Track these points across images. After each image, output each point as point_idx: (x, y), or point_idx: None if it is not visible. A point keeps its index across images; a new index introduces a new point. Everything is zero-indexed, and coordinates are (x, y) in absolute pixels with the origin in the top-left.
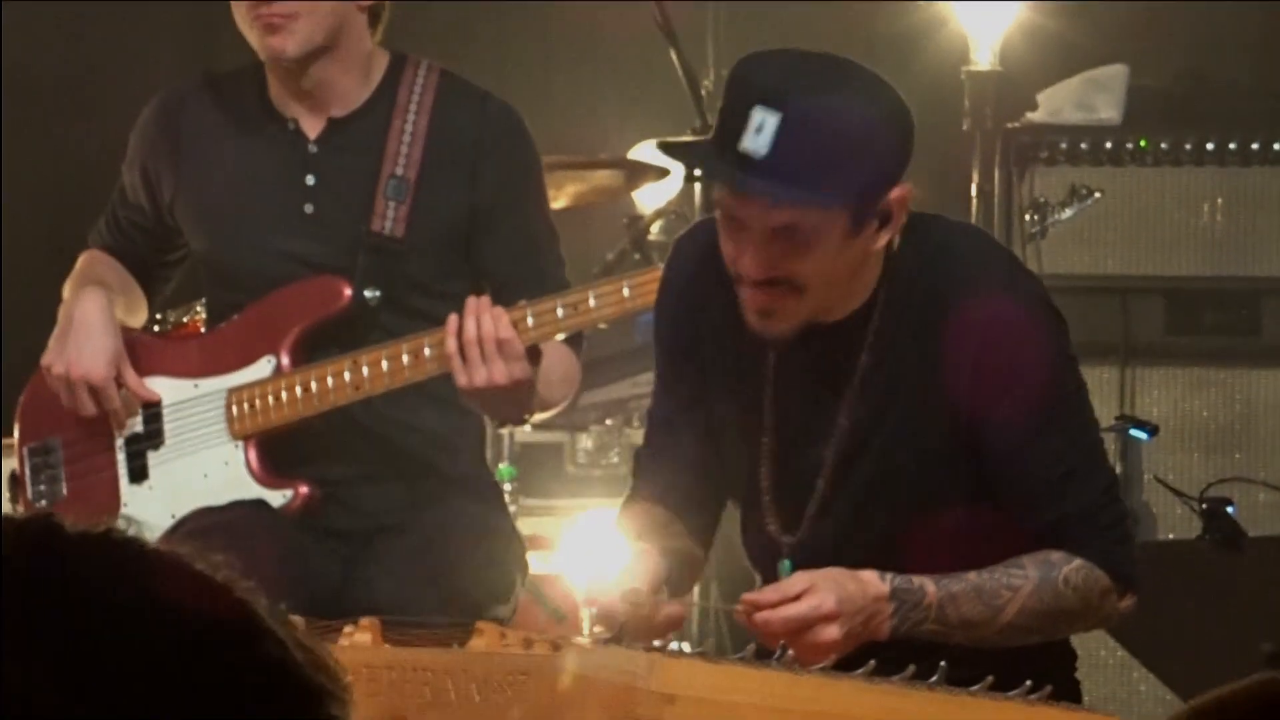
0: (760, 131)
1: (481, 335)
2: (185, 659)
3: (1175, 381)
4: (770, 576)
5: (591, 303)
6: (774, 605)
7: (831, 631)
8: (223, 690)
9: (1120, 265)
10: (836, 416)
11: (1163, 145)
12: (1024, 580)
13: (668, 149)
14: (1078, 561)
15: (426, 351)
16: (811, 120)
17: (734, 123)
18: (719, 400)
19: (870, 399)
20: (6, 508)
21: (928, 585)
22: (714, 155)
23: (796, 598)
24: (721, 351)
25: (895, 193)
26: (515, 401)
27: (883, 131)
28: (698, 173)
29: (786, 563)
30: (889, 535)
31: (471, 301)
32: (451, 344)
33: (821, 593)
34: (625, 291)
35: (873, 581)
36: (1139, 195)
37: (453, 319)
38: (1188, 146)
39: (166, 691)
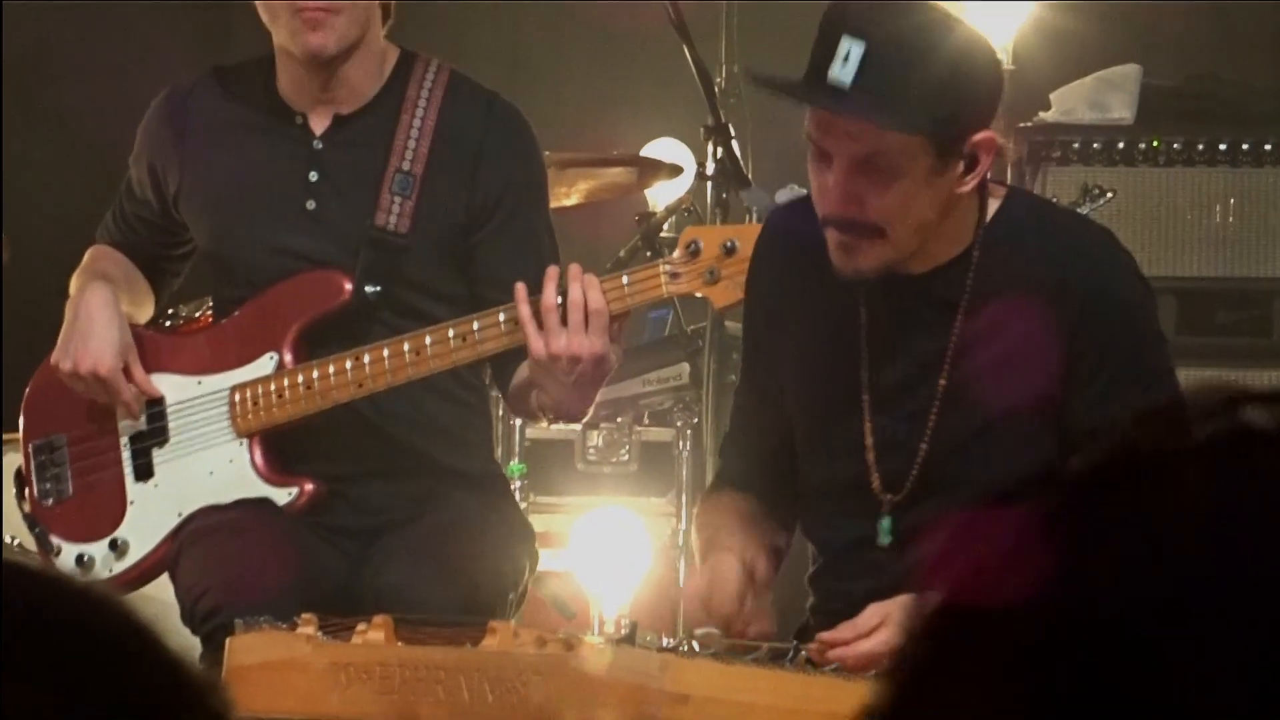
0: (847, 61)
1: (569, 302)
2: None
3: (1187, 382)
4: (851, 540)
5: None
6: (849, 643)
7: None
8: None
9: None
10: (936, 374)
11: (1175, 145)
12: None
13: (759, 81)
14: None
15: (429, 345)
16: (895, 49)
17: (823, 53)
18: (812, 357)
19: (969, 357)
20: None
21: None
22: (804, 85)
23: (871, 633)
24: (813, 316)
25: (982, 135)
26: (593, 381)
27: (967, 68)
28: (709, 169)
29: (886, 520)
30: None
31: (554, 269)
32: (525, 310)
33: (894, 626)
34: (624, 281)
35: None
36: (1151, 195)
37: (520, 286)
38: (1200, 146)
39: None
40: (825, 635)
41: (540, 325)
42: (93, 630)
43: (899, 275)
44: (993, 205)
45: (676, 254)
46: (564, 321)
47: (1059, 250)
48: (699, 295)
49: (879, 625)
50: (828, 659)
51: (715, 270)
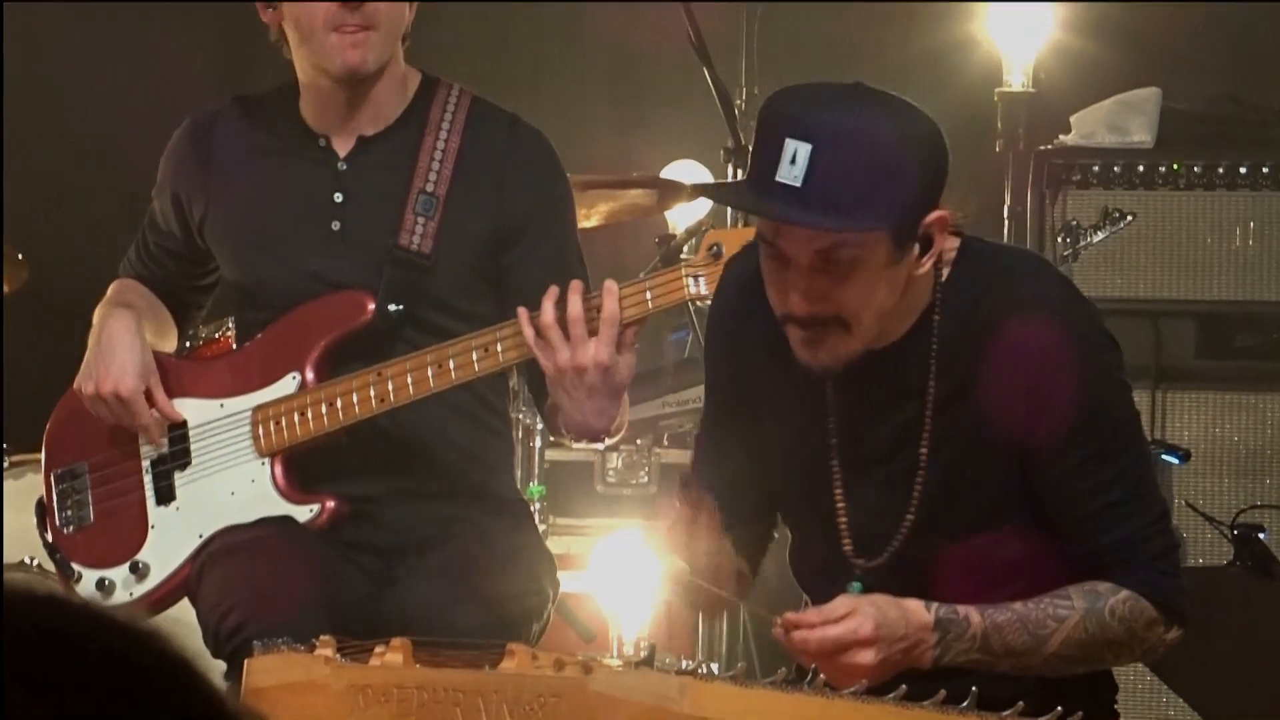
0: (794, 162)
1: (567, 316)
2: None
3: (1206, 405)
4: (828, 597)
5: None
6: (813, 625)
7: (866, 656)
8: None
9: (1152, 288)
10: (916, 443)
11: (1195, 169)
12: (1070, 610)
13: (706, 191)
14: (1125, 593)
15: (450, 358)
16: (841, 145)
17: (768, 157)
18: (776, 424)
19: (946, 425)
20: (10, 533)
21: (973, 615)
22: (753, 191)
23: (838, 620)
24: (775, 377)
25: (933, 216)
26: (606, 394)
27: (914, 153)
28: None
29: (857, 585)
30: (972, 559)
31: (553, 289)
32: (529, 331)
33: (861, 617)
34: (648, 296)
35: (917, 610)
36: (1171, 218)
37: (521, 309)
38: (1220, 170)
39: None
40: (791, 616)
41: (544, 342)
42: (135, 663)
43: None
44: (946, 261)
45: (698, 256)
46: (566, 335)
47: (1009, 311)
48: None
49: (846, 615)
50: (791, 640)
51: None
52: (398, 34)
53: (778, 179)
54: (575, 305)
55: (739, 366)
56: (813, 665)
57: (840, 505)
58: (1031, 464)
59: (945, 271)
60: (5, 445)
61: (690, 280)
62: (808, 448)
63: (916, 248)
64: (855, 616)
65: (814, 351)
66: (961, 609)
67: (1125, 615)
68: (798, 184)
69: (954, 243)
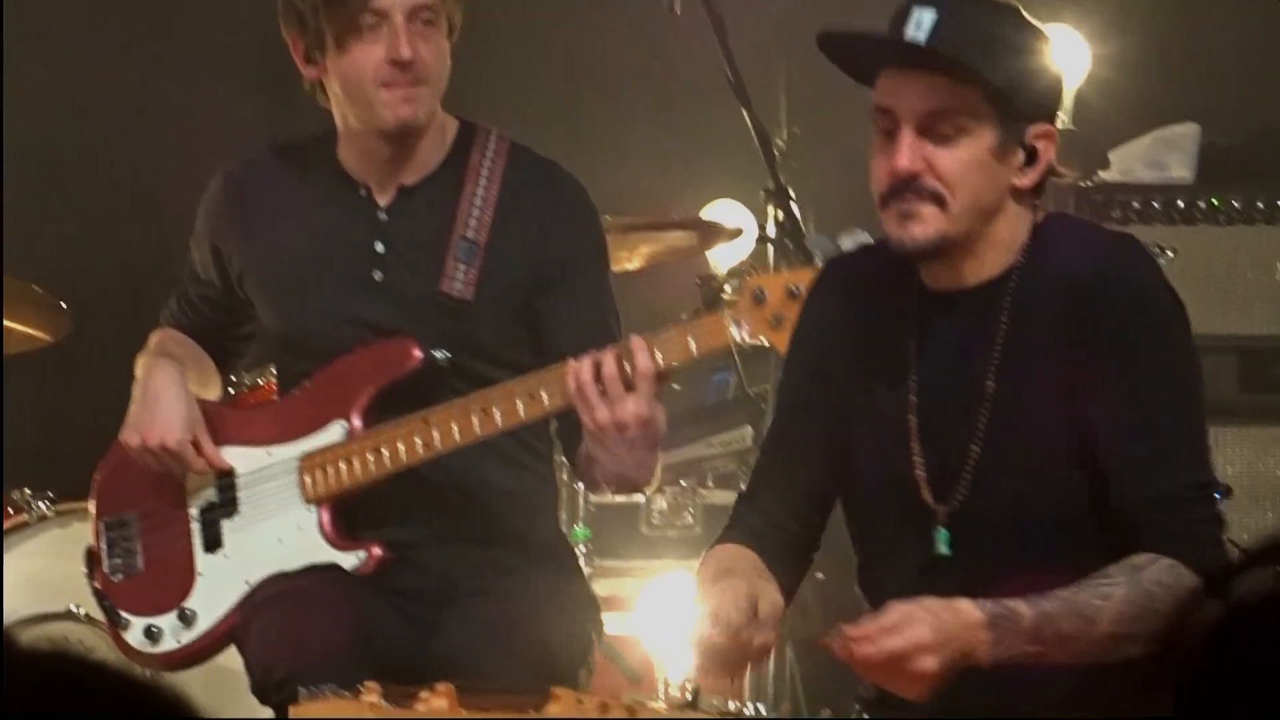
0: (920, 26)
1: (604, 375)
2: None
3: (1249, 440)
4: (911, 558)
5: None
6: (871, 637)
7: (929, 663)
8: None
9: (1193, 324)
10: (983, 383)
11: (1235, 203)
12: (1114, 587)
13: (829, 41)
14: (1165, 561)
15: (494, 403)
16: (965, 16)
17: (898, 20)
18: (860, 395)
19: (1013, 365)
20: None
21: (1021, 608)
22: (877, 38)
23: (892, 630)
24: (862, 354)
25: (1041, 128)
26: (645, 446)
27: (1031, 50)
28: (770, 232)
29: (943, 532)
30: (1038, 501)
31: (592, 355)
32: (571, 383)
33: (919, 625)
34: (690, 341)
35: (968, 610)
36: (1212, 254)
37: (570, 361)
38: (1260, 204)
39: None
40: (849, 629)
41: (583, 398)
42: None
43: (944, 293)
44: (1034, 225)
45: (742, 301)
46: (605, 393)
47: (1099, 264)
48: (764, 341)
49: (904, 623)
50: (851, 655)
51: (780, 316)
52: (443, 85)
53: (906, 35)
54: (610, 366)
55: (829, 346)
56: (874, 679)
57: (917, 458)
58: (1093, 399)
59: (1034, 229)
60: (51, 494)
61: (733, 326)
62: (889, 410)
63: (1021, 155)
64: (913, 625)
65: (908, 226)
66: (1010, 603)
67: (1169, 583)
68: (923, 40)
69: (1041, 212)
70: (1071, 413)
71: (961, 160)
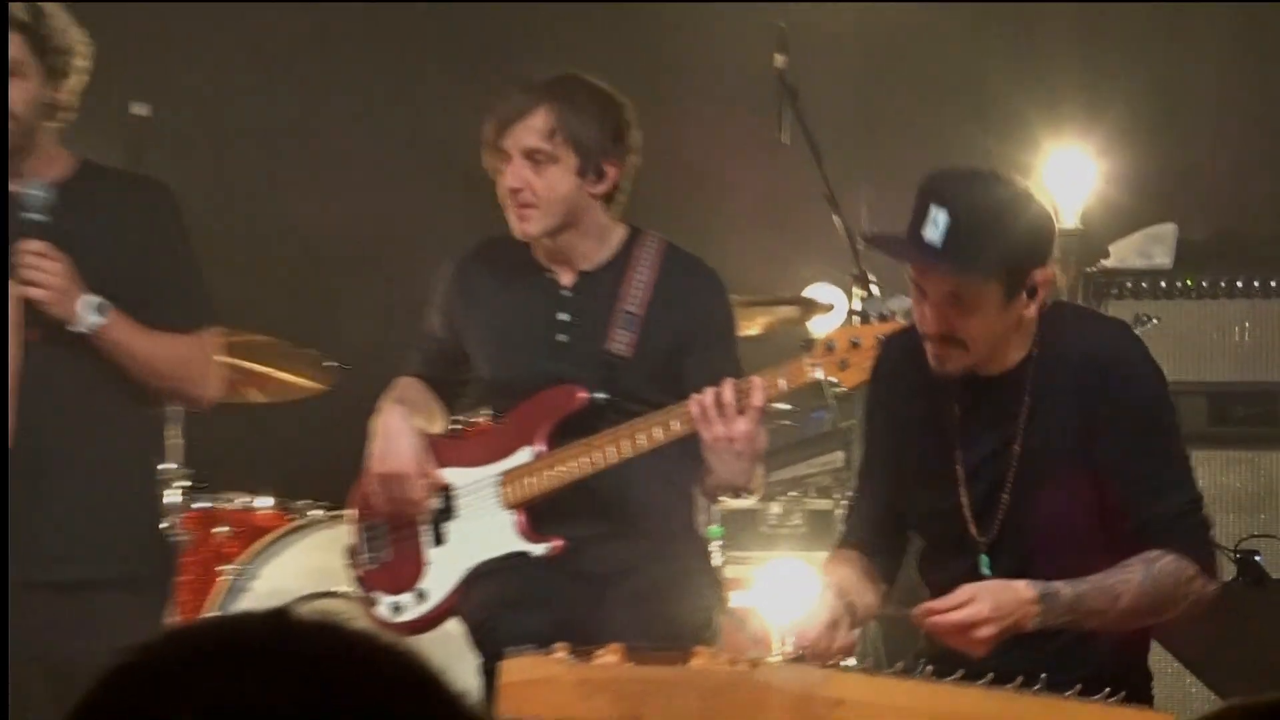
0: (936, 225)
1: (722, 403)
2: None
3: (1214, 461)
4: (959, 576)
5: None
6: (943, 612)
7: (987, 630)
8: None
9: (1172, 373)
10: (1012, 445)
11: (1204, 283)
12: (1133, 574)
13: (874, 244)
14: (1170, 556)
15: (642, 430)
16: (973, 217)
17: (918, 218)
18: (919, 447)
19: (1034, 432)
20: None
21: (1063, 588)
22: (904, 244)
23: (961, 605)
24: (919, 412)
25: (1040, 273)
26: (749, 456)
27: (1028, 225)
28: (856, 306)
29: (985, 558)
30: (1055, 530)
31: (714, 389)
32: (695, 409)
33: (979, 602)
34: (780, 380)
35: (1024, 589)
36: (1187, 320)
37: (693, 396)
38: (1223, 284)
39: None
40: (926, 604)
41: (705, 418)
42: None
43: (980, 377)
44: (1041, 313)
45: (817, 349)
46: (722, 414)
47: (1098, 348)
48: (833, 379)
49: (968, 600)
50: (927, 624)
51: (845, 360)
52: (560, 206)
53: (925, 236)
54: (727, 393)
55: (894, 408)
56: (945, 641)
57: (964, 500)
58: (1102, 456)
59: (1042, 319)
60: (325, 504)
61: (811, 368)
62: (940, 459)
63: (1025, 296)
64: (975, 602)
65: (942, 362)
66: (1054, 584)
67: (1173, 572)
68: (939, 241)
69: (1047, 305)
70: (1084, 461)
71: (976, 322)
